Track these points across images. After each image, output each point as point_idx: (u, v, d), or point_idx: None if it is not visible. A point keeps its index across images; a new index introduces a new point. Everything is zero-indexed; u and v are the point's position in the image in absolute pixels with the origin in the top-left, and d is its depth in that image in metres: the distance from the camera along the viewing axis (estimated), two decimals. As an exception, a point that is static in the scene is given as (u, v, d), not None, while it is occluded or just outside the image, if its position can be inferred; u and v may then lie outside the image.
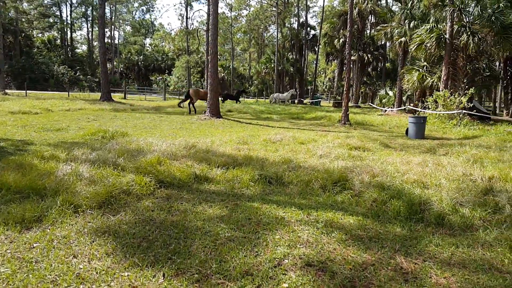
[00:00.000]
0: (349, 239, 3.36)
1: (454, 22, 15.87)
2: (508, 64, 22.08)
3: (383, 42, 33.04)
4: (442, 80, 16.24)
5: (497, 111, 28.67)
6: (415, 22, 20.86)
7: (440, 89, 16.30)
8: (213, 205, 4.37)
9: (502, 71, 22.26)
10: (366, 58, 31.18)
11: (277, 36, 36.56)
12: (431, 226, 3.64)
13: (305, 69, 40.58)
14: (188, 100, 19.29)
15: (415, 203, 3.95)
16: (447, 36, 16.08)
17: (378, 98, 27.51)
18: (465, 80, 16.23)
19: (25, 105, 17.24)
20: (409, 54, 24.51)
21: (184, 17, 37.59)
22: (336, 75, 37.58)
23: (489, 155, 6.73)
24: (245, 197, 4.72)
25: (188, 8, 36.37)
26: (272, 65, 37.84)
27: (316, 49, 39.65)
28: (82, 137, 9.32)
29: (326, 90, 55.85)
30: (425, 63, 19.95)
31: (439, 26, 16.76)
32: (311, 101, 33.71)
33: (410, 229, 3.61)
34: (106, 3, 27.21)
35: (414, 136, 11.42)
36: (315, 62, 45.68)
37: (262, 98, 45.42)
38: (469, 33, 15.18)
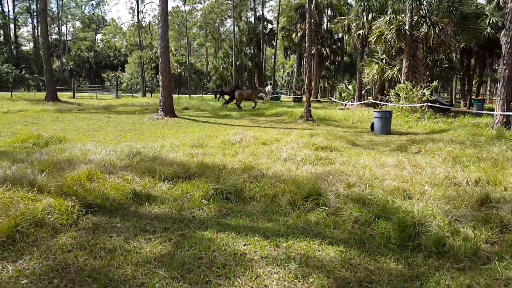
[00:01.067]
0: (333, 286, 2.48)
1: (414, 13, 15.71)
2: (463, 56, 22.60)
3: (340, 36, 33.07)
4: (403, 72, 16.08)
5: (454, 102, 29.61)
6: (373, 14, 20.71)
7: (401, 82, 16.13)
8: (152, 238, 3.34)
9: (458, 63, 22.73)
10: (324, 52, 30.95)
11: (234, 30, 35.45)
12: (432, 257, 2.86)
13: (263, 64, 39.85)
14: (235, 100, 21.49)
15: (408, 225, 3.16)
16: (406, 27, 15.90)
17: (337, 92, 27.40)
18: (427, 72, 16.17)
19: None
20: (367, 47, 24.51)
21: (135, 10, 35.41)
22: (295, 69, 37.20)
23: (465, 152, 6.21)
24: (195, 223, 3.72)
25: (140, 1, 34.26)
26: (230, 60, 36.68)
27: (274, 43, 39.05)
28: (10, 144, 7.81)
29: (285, 85, 55.61)
30: (384, 56, 19.84)
31: (398, 17, 16.56)
32: (270, 96, 33.09)
33: (407, 262, 2.81)
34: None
35: (380, 131, 10.94)
36: (273, 57, 45.13)
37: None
38: (429, 24, 15.05)
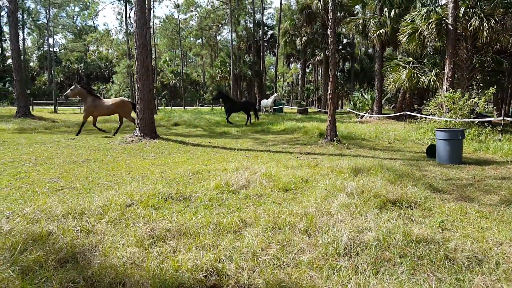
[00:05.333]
0: None
1: (458, 4, 12.37)
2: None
3: (350, 40, 29.81)
4: (445, 77, 12.66)
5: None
6: (396, 10, 17.45)
7: (444, 89, 12.74)
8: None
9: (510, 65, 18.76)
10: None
11: (232, 36, 32.04)
12: None
13: (264, 72, 36.42)
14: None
15: None
16: (449, 21, 12.55)
17: (351, 102, 23.96)
18: (476, 76, 12.75)
19: None
20: (396, 48, 21.19)
21: (123, 16, 32.16)
22: (299, 77, 33.87)
23: None
24: None
25: (128, 6, 30.99)
26: (228, 69, 33.25)
27: (275, 50, 35.74)
28: None
29: (285, 94, 52.24)
30: (411, 59, 16.49)
31: (437, 10, 13.23)
32: (273, 107, 29.70)
33: None
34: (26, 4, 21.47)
35: (448, 159, 7.47)
36: (274, 65, 41.74)
37: (218, 106, 40.76)
38: (481, 15, 11.70)
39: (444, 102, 11.88)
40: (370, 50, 37.27)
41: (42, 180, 5.81)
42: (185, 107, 38.75)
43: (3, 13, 51.33)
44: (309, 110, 32.23)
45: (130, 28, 32.12)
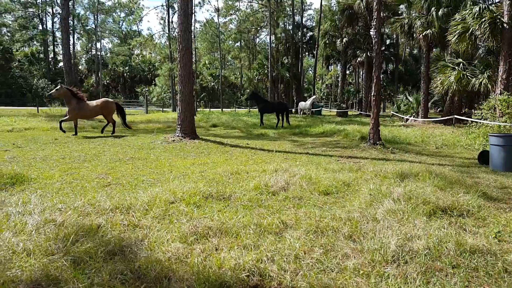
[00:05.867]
0: None
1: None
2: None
3: (394, 40, 28.79)
4: (500, 79, 11.85)
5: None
6: (445, 9, 16.60)
7: (497, 92, 11.94)
8: None
9: None
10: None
11: (270, 39, 32.09)
12: None
13: (302, 74, 36.00)
14: None
15: None
16: (505, 19, 11.75)
17: (394, 105, 23.07)
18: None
19: None
20: (433, 49, 20.24)
21: (166, 20, 33.18)
22: (339, 79, 33.21)
23: None
24: None
25: (170, 11, 32.05)
26: (266, 71, 33.30)
27: (314, 52, 35.28)
28: None
29: (324, 97, 51.43)
30: (461, 60, 15.61)
31: (491, 8, 12.42)
32: (311, 110, 29.28)
33: None
34: (70, 4, 22.91)
35: (502, 167, 6.97)
36: (313, 67, 41.26)
37: (255, 108, 40.92)
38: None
39: (498, 106, 11.12)
40: (415, 51, 35.80)
41: (90, 176, 6.09)
42: (223, 109, 39.35)
43: (56, 19, 55.03)
44: (349, 113, 31.51)
45: (172, 32, 33.18)
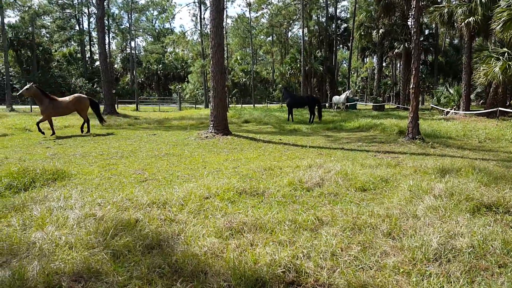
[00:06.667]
0: None
1: None
2: None
3: (433, 30, 27.45)
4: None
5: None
6: (489, -4, 15.57)
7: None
8: None
9: None
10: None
11: (303, 32, 31.62)
12: None
13: (336, 68, 35.16)
14: None
15: None
16: (557, 2, 10.85)
17: (434, 98, 22.02)
18: None
19: (7, 123, 13.50)
20: (476, 39, 19.06)
21: (198, 17, 33.64)
22: (375, 72, 32.15)
23: None
24: None
25: (202, 7, 32.44)
26: (298, 65, 32.91)
27: (349, 44, 34.35)
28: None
29: (359, 90, 50.10)
30: (506, 49, 14.61)
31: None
32: (346, 103, 28.61)
33: None
34: (105, 4, 23.78)
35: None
36: (347, 60, 40.21)
37: (288, 103, 40.56)
38: None
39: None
40: (456, 41, 33.91)
41: (128, 172, 6.28)
42: (255, 105, 39.42)
43: (91, 19, 57.30)
44: (386, 107, 30.53)
45: (204, 29, 33.58)
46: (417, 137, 9.45)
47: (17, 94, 10.40)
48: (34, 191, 4.91)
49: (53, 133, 11.53)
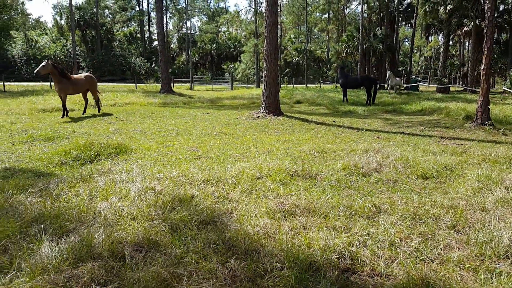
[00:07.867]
0: None
1: None
2: None
3: (509, 5, 24.59)
4: None
5: None
6: None
7: None
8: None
9: None
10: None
11: (362, 8, 29.94)
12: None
13: (397, 46, 32.96)
14: None
15: None
16: None
17: (507, 80, 19.93)
18: None
19: (74, 99, 14.59)
20: None
21: (253, -6, 33.15)
22: (441, 51, 29.72)
23: None
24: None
25: (257, -16, 31.95)
26: (356, 43, 31.36)
27: (412, 22, 31.94)
28: (47, 157, 5.66)
29: (421, 71, 46.76)
30: None
31: None
32: (406, 85, 26.87)
33: None
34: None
35: None
36: (410, 38, 37.45)
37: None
38: None
39: None
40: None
41: (183, 149, 6.50)
42: (307, 85, 38.61)
43: (150, 0, 59.08)
44: (451, 89, 28.31)
45: (258, 7, 33.12)
46: (486, 122, 8.65)
47: (34, 72, 9.96)
48: (99, 163, 5.26)
49: (65, 114, 10.77)
